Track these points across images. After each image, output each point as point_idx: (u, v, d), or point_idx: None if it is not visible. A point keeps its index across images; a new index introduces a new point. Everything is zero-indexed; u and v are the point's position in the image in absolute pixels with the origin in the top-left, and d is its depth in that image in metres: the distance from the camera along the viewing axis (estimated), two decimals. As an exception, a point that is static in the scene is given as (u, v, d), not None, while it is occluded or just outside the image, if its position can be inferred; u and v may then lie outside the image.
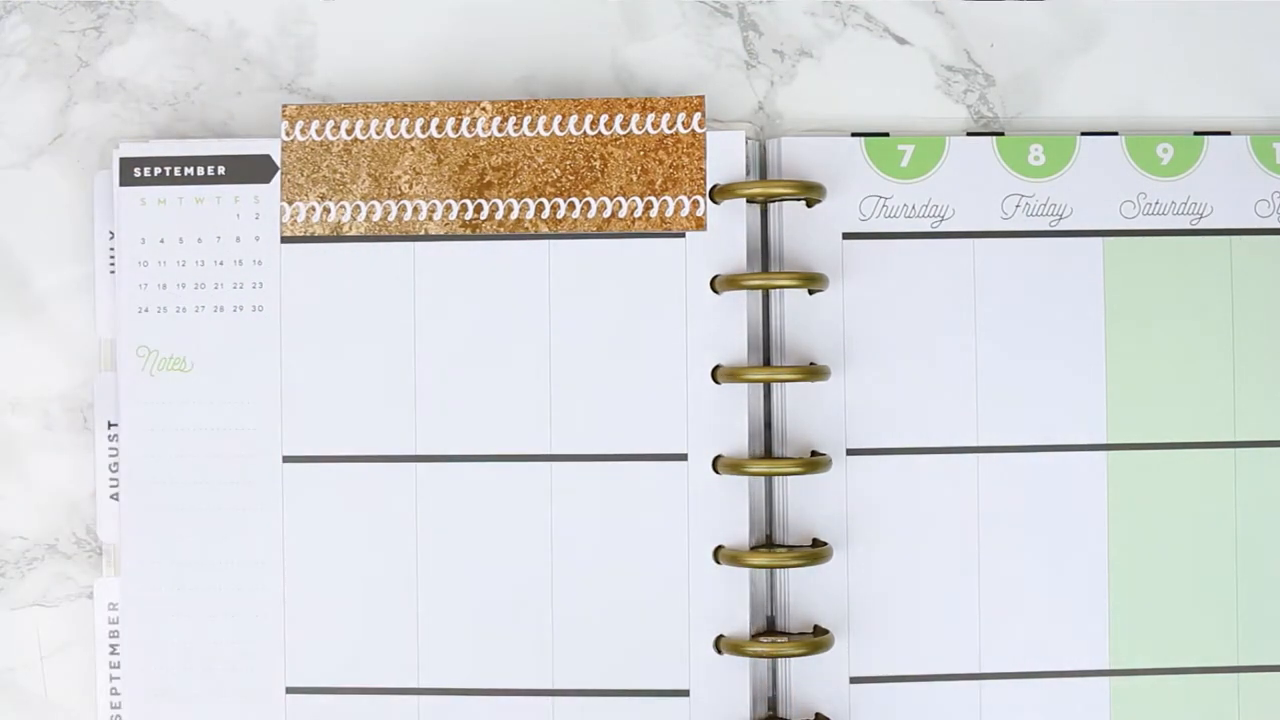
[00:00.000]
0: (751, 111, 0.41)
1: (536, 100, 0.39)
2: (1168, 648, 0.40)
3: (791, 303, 0.39)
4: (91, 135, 0.41)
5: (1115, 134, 0.41)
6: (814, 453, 0.39)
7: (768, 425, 0.40)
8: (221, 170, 0.39)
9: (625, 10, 0.41)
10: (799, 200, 0.39)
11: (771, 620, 0.40)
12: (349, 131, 0.39)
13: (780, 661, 0.39)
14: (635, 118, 0.38)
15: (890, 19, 0.42)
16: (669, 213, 0.38)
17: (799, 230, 0.39)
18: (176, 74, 0.41)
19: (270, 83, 0.41)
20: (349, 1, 0.41)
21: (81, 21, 0.41)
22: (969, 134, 0.41)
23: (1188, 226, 0.40)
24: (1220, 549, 0.40)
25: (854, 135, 0.40)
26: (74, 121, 0.41)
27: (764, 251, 0.40)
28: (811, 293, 0.39)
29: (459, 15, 0.41)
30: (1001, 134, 0.41)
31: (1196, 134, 0.41)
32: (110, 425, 0.40)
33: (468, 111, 0.39)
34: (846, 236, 0.40)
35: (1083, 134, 0.41)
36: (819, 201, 0.39)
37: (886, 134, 0.40)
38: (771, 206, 0.40)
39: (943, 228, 0.40)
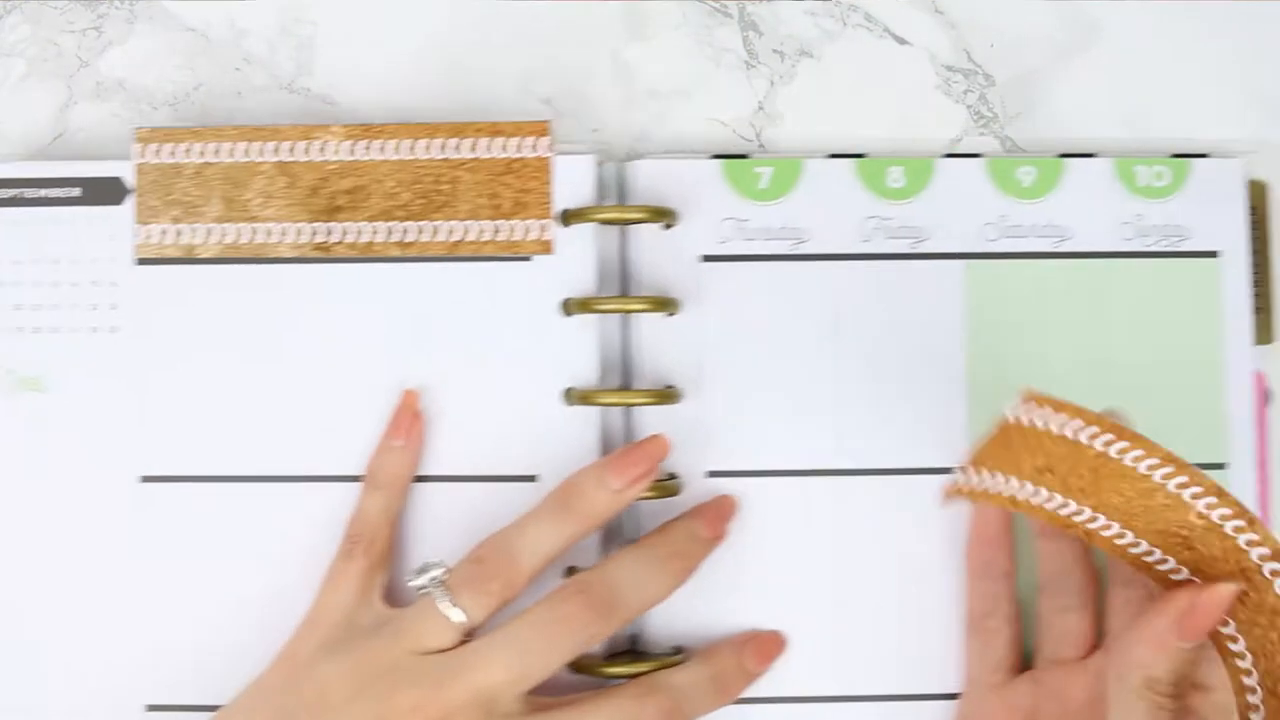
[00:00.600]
0: (752, 111, 0.41)
1: (386, 125, 0.39)
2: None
3: (650, 325, 0.39)
4: (91, 135, 0.41)
5: (979, 155, 0.40)
6: (671, 475, 0.39)
7: (623, 448, 0.40)
8: (76, 192, 0.39)
9: (625, 10, 0.41)
10: (655, 223, 0.39)
11: (634, 640, 0.40)
12: (201, 155, 0.39)
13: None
14: (484, 142, 0.38)
15: (890, 19, 0.42)
16: (517, 236, 0.38)
17: (656, 252, 0.39)
18: (176, 74, 0.41)
19: (270, 83, 0.41)
20: (349, 1, 0.41)
21: (81, 21, 0.41)
22: (831, 156, 0.40)
23: (1049, 249, 0.40)
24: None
25: (714, 157, 0.40)
26: (74, 121, 0.41)
27: (623, 273, 0.40)
28: (670, 314, 0.39)
29: (459, 16, 0.41)
30: (863, 156, 0.40)
31: (1061, 156, 0.40)
32: (-28, 444, 0.40)
33: (318, 135, 0.39)
34: (704, 259, 0.40)
35: (945, 155, 0.40)
36: (675, 224, 0.39)
37: (745, 156, 0.40)
38: (629, 229, 0.40)
39: (801, 250, 0.40)
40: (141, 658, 0.39)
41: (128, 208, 0.39)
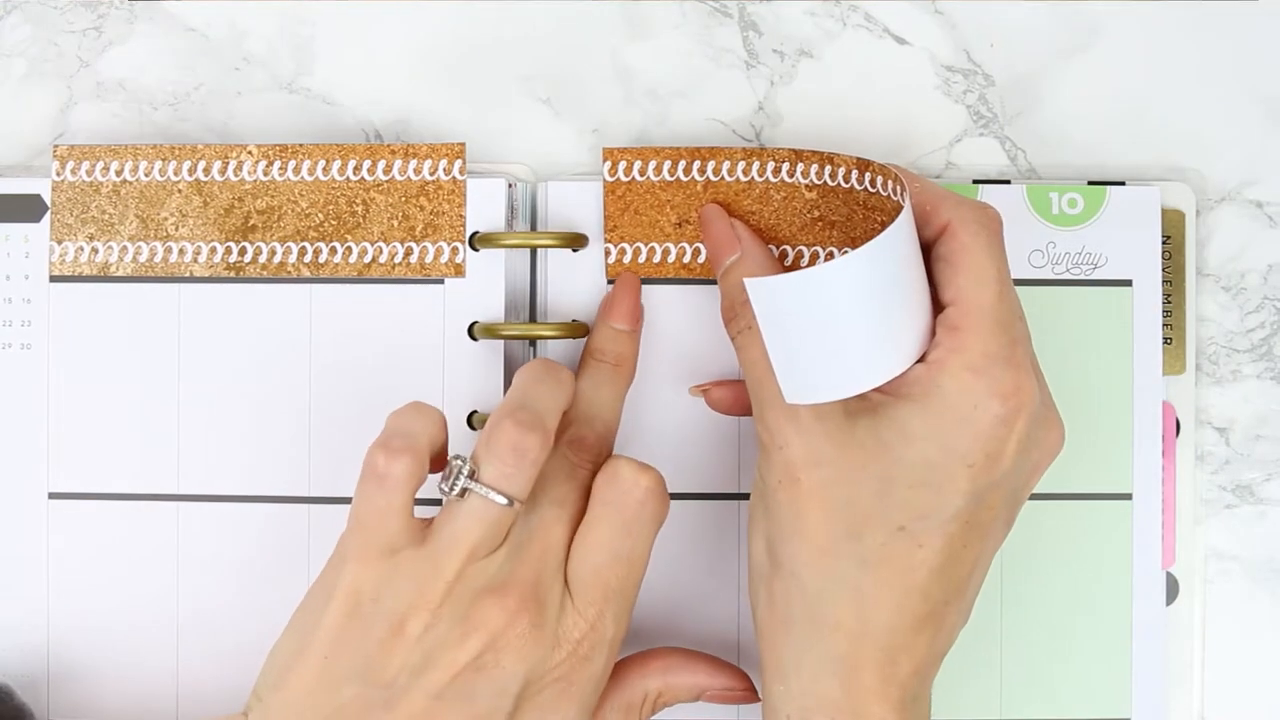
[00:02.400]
0: (752, 111, 0.42)
1: (301, 145, 0.39)
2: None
3: (557, 350, 0.39)
4: (92, 135, 0.41)
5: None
6: None
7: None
8: (-6, 209, 0.40)
9: (625, 10, 0.41)
10: (565, 248, 0.39)
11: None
12: (118, 173, 0.39)
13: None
14: (398, 164, 0.39)
15: (890, 19, 0.42)
16: (429, 259, 0.39)
17: (566, 275, 0.40)
18: (176, 74, 0.41)
19: (270, 83, 0.41)
20: (349, 2, 0.41)
21: (81, 21, 0.42)
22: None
23: (961, 276, 0.40)
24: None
25: (628, 181, 0.40)
26: (74, 122, 0.42)
27: (533, 295, 0.40)
28: (580, 338, 0.39)
29: (459, 16, 0.41)
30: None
31: (975, 182, 0.41)
32: (-112, 458, 0.40)
33: (234, 155, 0.39)
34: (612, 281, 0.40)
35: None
36: (584, 246, 0.39)
37: (660, 180, 0.40)
38: (538, 251, 0.40)
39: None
40: (46, 674, 0.39)
41: (44, 225, 0.39)
